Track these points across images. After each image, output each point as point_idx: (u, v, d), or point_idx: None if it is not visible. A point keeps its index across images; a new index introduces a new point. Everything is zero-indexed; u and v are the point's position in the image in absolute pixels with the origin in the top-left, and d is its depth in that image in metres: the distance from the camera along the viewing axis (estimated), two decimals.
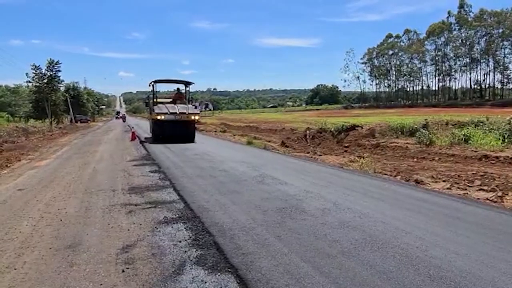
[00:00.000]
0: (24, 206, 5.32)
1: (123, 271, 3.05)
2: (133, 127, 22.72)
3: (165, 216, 4.60)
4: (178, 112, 15.23)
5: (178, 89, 18.53)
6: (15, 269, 3.16)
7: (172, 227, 4.20)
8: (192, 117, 15.68)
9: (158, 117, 15.13)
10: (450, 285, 2.73)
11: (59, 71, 36.34)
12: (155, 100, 17.35)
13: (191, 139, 15.84)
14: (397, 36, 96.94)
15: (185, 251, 3.45)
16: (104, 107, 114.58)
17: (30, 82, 36.20)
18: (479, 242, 3.62)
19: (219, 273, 2.97)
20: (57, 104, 39.98)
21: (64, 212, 4.94)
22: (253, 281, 2.83)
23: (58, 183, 7.04)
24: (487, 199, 5.46)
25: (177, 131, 15.31)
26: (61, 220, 4.55)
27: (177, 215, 4.66)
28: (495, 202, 5.29)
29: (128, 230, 4.12)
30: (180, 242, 3.70)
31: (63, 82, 41.02)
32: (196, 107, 17.27)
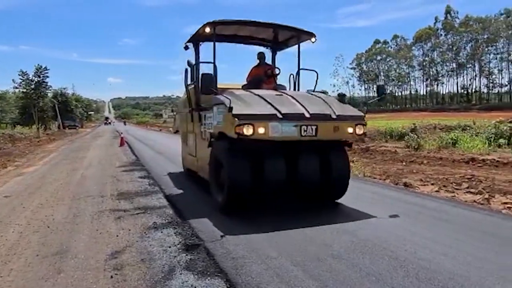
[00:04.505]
0: (10, 213, 5.23)
1: (111, 277, 3.02)
2: (121, 133, 22.60)
3: (154, 222, 4.57)
4: (309, 115, 4.67)
5: (261, 54, 6.98)
6: (1, 276, 3.10)
7: (161, 232, 4.17)
8: (348, 129, 4.87)
9: (245, 131, 4.32)
10: (439, 286, 2.76)
11: (47, 77, 35.91)
12: (208, 81, 4.96)
13: (337, 192, 5.38)
14: (385, 42, 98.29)
15: (175, 256, 3.43)
16: (92, 112, 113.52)
17: (17, 88, 35.71)
18: (467, 244, 3.66)
19: (209, 278, 2.95)
20: (44, 110, 39.51)
21: (51, 218, 4.87)
22: (243, 285, 2.82)
23: (46, 190, 6.94)
24: (475, 201, 5.54)
25: (305, 174, 4.90)
26: (48, 227, 4.48)
27: (166, 221, 4.62)
28: (482, 204, 5.36)
29: (117, 236, 4.08)
30: (169, 247, 3.67)
31: (51, 88, 40.53)
32: (346, 102, 6.52)
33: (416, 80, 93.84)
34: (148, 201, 5.73)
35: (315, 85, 6.97)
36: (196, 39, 6.44)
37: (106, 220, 4.72)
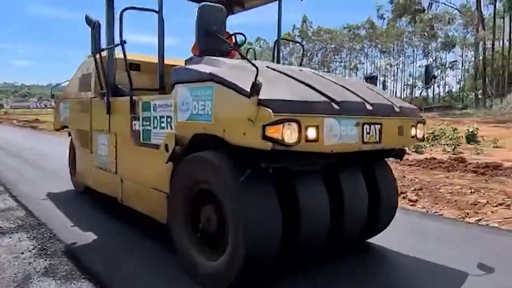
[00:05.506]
0: None
1: None
2: None
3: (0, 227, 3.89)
4: (371, 107, 2.66)
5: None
6: None
7: (10, 238, 3.57)
8: (411, 130, 2.99)
9: (285, 136, 2.08)
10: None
11: None
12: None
13: (380, 228, 3.39)
14: (249, 43, 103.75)
15: (30, 263, 2.97)
16: None
17: None
18: None
19: (74, 282, 2.65)
20: None
21: None
22: (119, 285, 2.63)
23: None
24: None
25: (352, 207, 2.87)
26: None
27: (16, 224, 3.98)
28: None
29: None
30: (22, 253, 3.17)
31: None
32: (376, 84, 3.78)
33: None
34: None
35: (301, 61, 5.38)
36: None
37: None
